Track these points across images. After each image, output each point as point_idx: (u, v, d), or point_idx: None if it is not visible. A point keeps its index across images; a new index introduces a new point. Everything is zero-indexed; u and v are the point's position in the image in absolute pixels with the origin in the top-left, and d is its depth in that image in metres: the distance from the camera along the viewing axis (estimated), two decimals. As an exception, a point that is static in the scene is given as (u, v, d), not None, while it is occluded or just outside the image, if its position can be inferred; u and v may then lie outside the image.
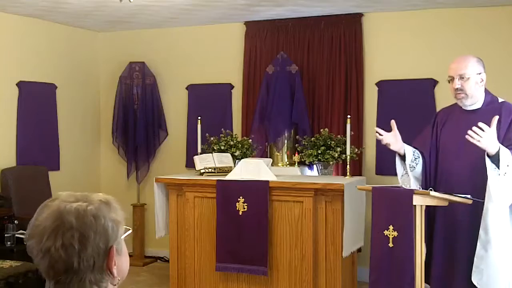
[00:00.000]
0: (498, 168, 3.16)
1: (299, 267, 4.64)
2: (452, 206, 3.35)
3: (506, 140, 3.28)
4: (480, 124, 3.12)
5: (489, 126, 3.14)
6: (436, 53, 5.57)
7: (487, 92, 3.50)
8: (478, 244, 3.26)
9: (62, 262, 1.27)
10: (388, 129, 3.54)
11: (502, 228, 3.25)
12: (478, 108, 3.47)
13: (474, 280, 3.27)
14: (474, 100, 3.46)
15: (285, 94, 5.79)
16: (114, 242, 1.32)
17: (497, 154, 3.15)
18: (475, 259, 3.27)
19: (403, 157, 3.56)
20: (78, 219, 1.29)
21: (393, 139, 3.49)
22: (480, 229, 3.25)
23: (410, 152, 3.53)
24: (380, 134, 3.49)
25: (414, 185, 3.55)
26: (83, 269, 1.28)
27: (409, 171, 3.54)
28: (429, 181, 3.56)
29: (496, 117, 3.18)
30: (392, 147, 3.50)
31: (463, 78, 3.40)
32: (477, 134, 3.11)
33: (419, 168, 3.56)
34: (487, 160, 3.18)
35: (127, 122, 6.58)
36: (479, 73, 3.43)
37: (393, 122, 3.51)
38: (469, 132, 3.13)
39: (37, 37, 6.14)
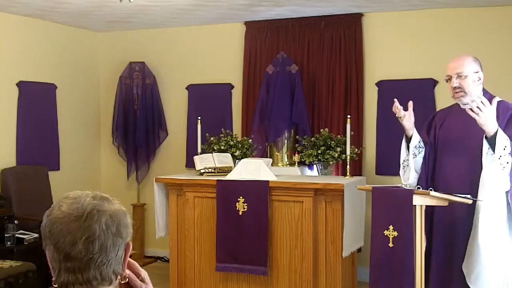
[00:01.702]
0: (494, 152, 3.18)
1: (299, 267, 4.64)
2: (451, 205, 3.36)
3: None
4: (482, 98, 3.14)
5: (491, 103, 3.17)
6: (436, 53, 5.57)
7: (485, 91, 3.52)
8: (472, 232, 3.27)
9: (100, 240, 1.34)
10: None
11: (495, 218, 3.24)
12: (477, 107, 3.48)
13: (463, 266, 3.28)
14: (472, 98, 3.47)
15: (285, 94, 5.79)
16: (129, 239, 1.43)
17: (495, 136, 3.17)
18: (468, 246, 3.29)
19: (408, 142, 3.59)
20: (112, 206, 1.40)
21: (407, 115, 3.55)
22: (474, 218, 3.27)
23: (417, 136, 3.58)
24: (398, 105, 3.55)
25: (412, 176, 3.58)
26: (111, 254, 1.36)
27: (411, 157, 3.56)
28: (428, 177, 3.58)
29: (497, 98, 3.20)
30: (405, 122, 3.55)
31: (460, 76, 3.43)
32: (479, 109, 3.13)
33: (420, 158, 3.59)
34: (484, 142, 3.20)
35: (127, 122, 6.58)
36: (476, 72, 3.46)
37: (410, 103, 3.56)
38: (471, 104, 3.15)
39: (37, 37, 6.14)
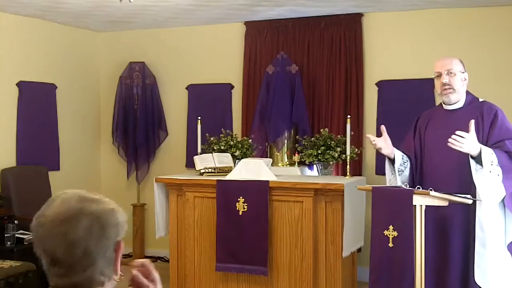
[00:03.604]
0: (482, 166, 3.24)
1: (299, 267, 4.64)
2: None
3: (490, 140, 3.39)
4: (459, 132, 3.21)
5: (468, 128, 3.23)
6: (436, 53, 5.55)
7: (468, 92, 3.62)
8: (476, 242, 3.31)
9: (83, 244, 1.31)
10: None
11: (495, 224, 3.31)
12: (460, 108, 3.58)
13: (477, 279, 3.30)
14: (459, 97, 3.57)
15: (285, 94, 5.79)
16: (121, 237, 1.39)
17: (480, 154, 3.23)
18: (475, 258, 3.31)
19: (392, 162, 3.67)
20: (98, 206, 1.36)
21: (384, 143, 3.61)
22: (476, 228, 3.31)
23: (399, 156, 3.66)
24: (373, 140, 3.61)
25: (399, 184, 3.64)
26: (97, 256, 1.33)
27: (397, 175, 3.65)
28: (416, 180, 3.64)
29: (473, 121, 3.28)
30: (384, 151, 3.63)
31: (450, 73, 3.52)
32: (458, 141, 3.20)
33: (407, 172, 3.69)
34: (471, 162, 3.27)
35: (127, 122, 6.58)
36: (463, 72, 3.57)
37: (383, 127, 3.64)
38: (450, 140, 3.22)
39: (37, 37, 6.14)
